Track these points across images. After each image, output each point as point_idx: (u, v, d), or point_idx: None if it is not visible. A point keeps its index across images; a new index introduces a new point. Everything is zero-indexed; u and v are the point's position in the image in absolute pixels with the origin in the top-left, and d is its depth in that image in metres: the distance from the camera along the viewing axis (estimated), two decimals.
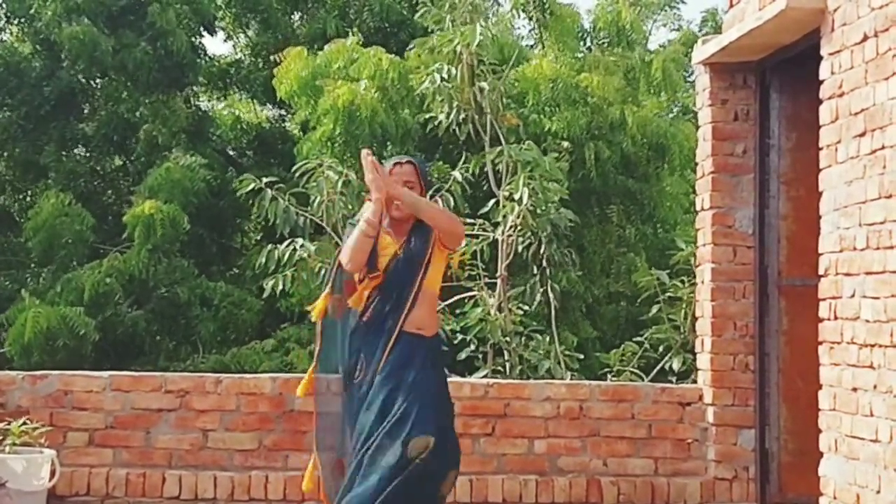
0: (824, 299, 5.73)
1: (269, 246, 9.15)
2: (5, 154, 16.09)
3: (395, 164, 5.26)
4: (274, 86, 13.26)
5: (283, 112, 17.01)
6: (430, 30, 10.69)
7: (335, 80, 12.47)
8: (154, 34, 15.08)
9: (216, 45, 49.07)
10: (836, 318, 5.60)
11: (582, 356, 9.51)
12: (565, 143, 11.61)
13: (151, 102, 15.26)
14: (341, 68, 12.62)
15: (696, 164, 7.35)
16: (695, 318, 7.50)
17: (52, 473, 6.39)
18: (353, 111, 12.10)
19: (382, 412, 4.88)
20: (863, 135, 5.35)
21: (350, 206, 9.01)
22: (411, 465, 4.79)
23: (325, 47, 13.15)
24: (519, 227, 8.98)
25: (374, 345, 4.99)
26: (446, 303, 8.87)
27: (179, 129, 15.30)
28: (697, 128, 7.36)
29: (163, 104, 15.31)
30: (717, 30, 13.33)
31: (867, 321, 5.27)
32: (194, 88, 16.77)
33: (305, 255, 9.00)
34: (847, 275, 5.48)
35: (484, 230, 9.22)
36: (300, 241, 9.03)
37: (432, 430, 4.86)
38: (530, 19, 14.18)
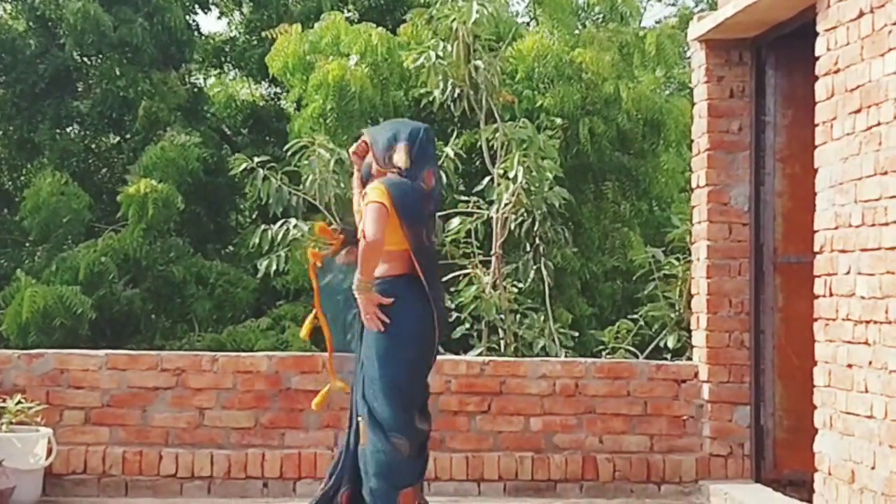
0: (820, 276, 5.73)
1: (263, 226, 9.12)
2: (0, 132, 16.03)
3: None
4: (267, 63, 13.20)
5: (277, 90, 16.95)
6: (427, 2, 10.59)
7: (326, 56, 12.41)
8: (150, 10, 15.02)
9: (210, 23, 48.94)
10: (831, 294, 5.60)
11: (577, 333, 9.50)
12: (558, 120, 11.56)
13: (149, 79, 15.19)
14: (331, 44, 12.56)
15: (692, 140, 7.34)
16: (690, 296, 7.50)
17: (49, 452, 6.40)
18: (344, 86, 12.05)
19: None
20: (858, 111, 5.34)
21: (343, 185, 8.98)
22: None
23: (316, 24, 13.08)
24: (513, 206, 8.96)
25: None
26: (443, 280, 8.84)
27: (176, 106, 15.25)
28: (693, 104, 7.35)
29: (161, 81, 15.25)
30: (713, 6, 13.29)
31: (862, 298, 5.27)
32: (189, 66, 16.70)
33: (299, 235, 8.97)
34: (842, 251, 5.48)
35: (479, 208, 9.20)
36: (293, 221, 8.99)
37: None
38: None
